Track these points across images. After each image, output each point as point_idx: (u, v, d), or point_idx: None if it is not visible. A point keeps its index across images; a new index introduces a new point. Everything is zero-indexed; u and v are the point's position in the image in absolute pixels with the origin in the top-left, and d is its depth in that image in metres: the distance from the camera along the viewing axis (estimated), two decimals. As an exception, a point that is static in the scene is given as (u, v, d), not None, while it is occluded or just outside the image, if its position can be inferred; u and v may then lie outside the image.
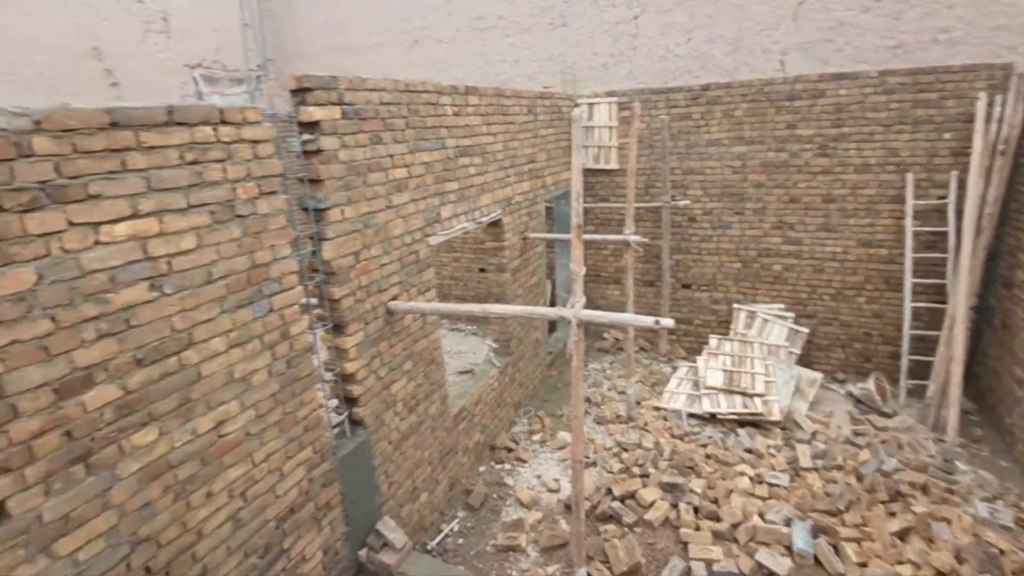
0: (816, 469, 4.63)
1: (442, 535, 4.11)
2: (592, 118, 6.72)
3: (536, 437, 5.31)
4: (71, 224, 1.91)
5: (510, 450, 5.07)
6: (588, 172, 7.00)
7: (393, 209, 3.56)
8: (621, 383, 6.19)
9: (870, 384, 5.73)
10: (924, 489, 4.29)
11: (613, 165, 6.78)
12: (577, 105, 6.72)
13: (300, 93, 2.93)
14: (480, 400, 4.89)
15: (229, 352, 2.51)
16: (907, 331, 5.69)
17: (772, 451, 4.89)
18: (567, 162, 6.72)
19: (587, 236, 5.23)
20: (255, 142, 2.58)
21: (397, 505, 3.78)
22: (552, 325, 7.05)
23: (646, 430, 5.25)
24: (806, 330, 6.21)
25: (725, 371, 5.74)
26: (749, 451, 4.92)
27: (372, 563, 3.37)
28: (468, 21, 8.93)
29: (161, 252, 2.20)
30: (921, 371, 5.71)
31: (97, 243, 1.99)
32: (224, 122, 2.44)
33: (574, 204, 2.99)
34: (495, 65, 8.95)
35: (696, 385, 5.86)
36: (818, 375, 5.88)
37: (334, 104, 3.05)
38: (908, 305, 5.66)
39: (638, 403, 5.71)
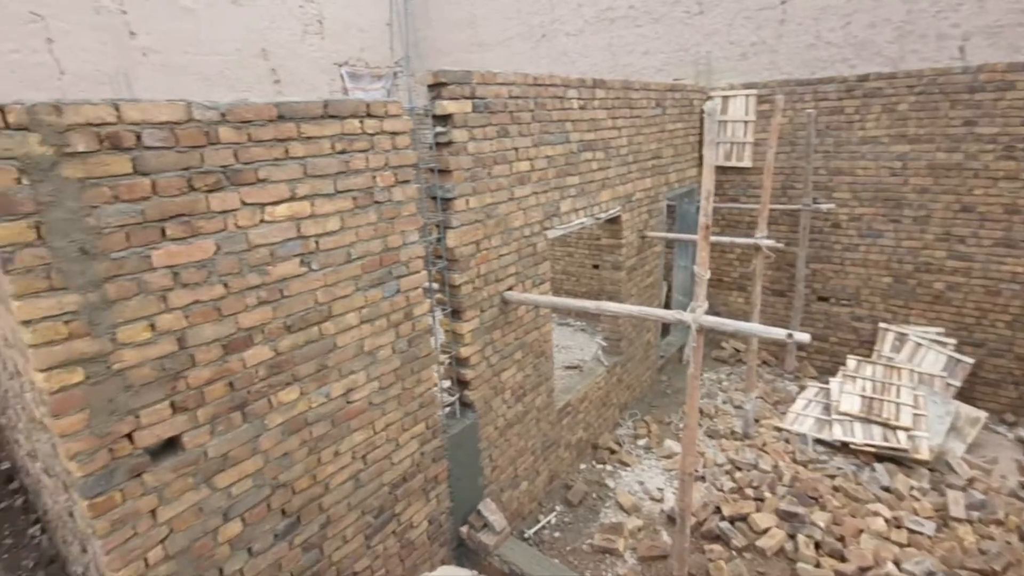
0: (970, 521, 3.98)
1: (539, 525, 4.15)
2: (727, 111, 6.30)
3: (641, 442, 5.16)
4: (243, 204, 2.19)
5: (613, 452, 4.97)
6: (718, 170, 6.57)
7: (515, 201, 3.63)
8: (738, 397, 5.78)
9: (1055, 432, 4.78)
10: (1120, 567, 3.51)
11: (746, 163, 6.31)
12: (710, 98, 6.33)
13: (436, 88, 3.08)
14: (586, 397, 4.84)
15: (360, 327, 2.73)
16: (1114, 373, 4.66)
17: (916, 494, 4.28)
18: (695, 158, 6.38)
19: (713, 238, 4.92)
20: (394, 134, 2.76)
21: (498, 489, 3.89)
22: (665, 328, 6.78)
23: (764, 451, 4.86)
24: (970, 360, 5.33)
25: (864, 397, 5.12)
26: (887, 490, 4.35)
27: (472, 541, 3.50)
28: (597, 12, 8.80)
29: (311, 232, 2.44)
30: None
31: (262, 221, 2.26)
32: (369, 115, 2.64)
33: (703, 203, 2.83)
34: (623, 56, 8.74)
35: (827, 409, 5.30)
36: (982, 414, 5.03)
37: (466, 98, 3.16)
38: (1118, 342, 4.63)
39: (756, 421, 5.30)
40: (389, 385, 2.94)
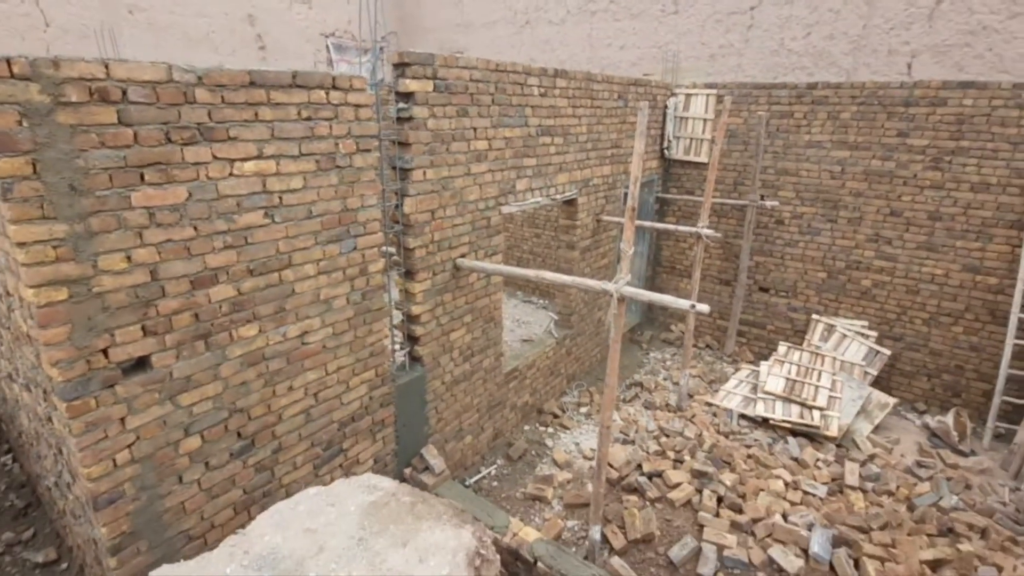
0: (864, 491, 4.50)
1: (480, 475, 4.56)
2: (688, 109, 6.68)
3: (583, 410, 5.60)
4: (215, 158, 2.50)
5: (556, 416, 5.40)
6: (677, 163, 6.99)
7: (471, 176, 3.97)
8: (678, 375, 6.25)
9: (949, 418, 5.34)
10: (983, 533, 4.06)
11: (704, 159, 6.71)
12: (673, 95, 6.71)
13: (401, 67, 3.39)
14: (534, 365, 5.25)
15: (318, 277, 3.06)
16: (1005, 369, 5.21)
17: (819, 464, 4.80)
18: (656, 151, 6.77)
19: (658, 225, 5.34)
20: (358, 106, 3.08)
21: (443, 440, 4.28)
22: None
23: (692, 422, 5.33)
24: (888, 352, 5.87)
25: (788, 379, 5.62)
26: (795, 460, 4.86)
27: (413, 480, 3.89)
28: (579, 4, 9.07)
29: (276, 188, 2.76)
30: (1015, 415, 5.23)
31: (231, 175, 2.57)
32: (335, 87, 2.94)
33: (631, 188, 3.20)
34: (601, 49, 9.04)
35: (755, 389, 5.80)
36: (892, 400, 5.57)
37: (428, 79, 3.48)
38: (1011, 341, 5.17)
39: (690, 396, 5.78)
40: (342, 332, 3.29)
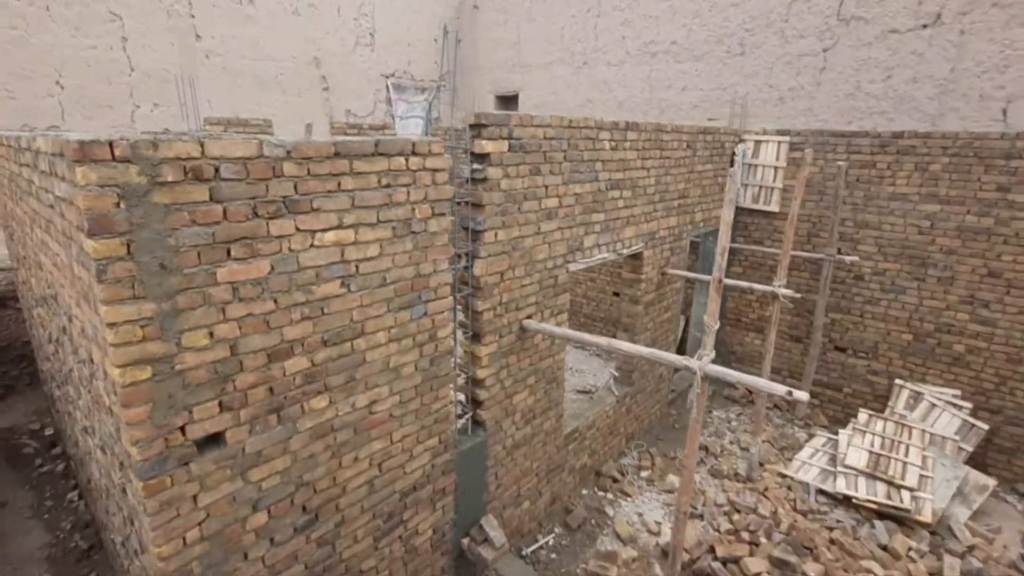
0: (968, 590, 4.00)
1: (537, 545, 4.32)
2: (758, 155, 6.43)
3: (644, 474, 5.28)
4: (297, 230, 2.46)
5: (615, 480, 5.11)
6: (745, 212, 6.71)
7: (540, 235, 3.85)
8: (746, 439, 5.86)
9: (1065, 508, 4.74)
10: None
11: (774, 207, 6.42)
12: (742, 141, 6.47)
13: (476, 128, 3.33)
14: (594, 424, 5.00)
15: (388, 345, 2.97)
16: None
17: (913, 555, 4.31)
18: (722, 198, 6.51)
19: (730, 282, 5.07)
20: (434, 171, 3.01)
21: (501, 506, 4.07)
22: (679, 362, 6.88)
23: (765, 495, 4.93)
24: (985, 426, 5.32)
25: (872, 452, 5.15)
26: (884, 548, 4.39)
27: (472, 553, 3.69)
28: (640, 46, 9.02)
29: (353, 257, 2.70)
30: None
31: (312, 246, 2.52)
32: (414, 153, 2.89)
33: (718, 258, 3.00)
34: (660, 91, 8.93)
35: (833, 460, 5.34)
36: (991, 481, 5.01)
37: (504, 139, 3.40)
38: None
39: (761, 464, 5.38)
40: (409, 400, 3.17)
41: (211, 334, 2.25)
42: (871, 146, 5.77)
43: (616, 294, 8.25)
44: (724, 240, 2.97)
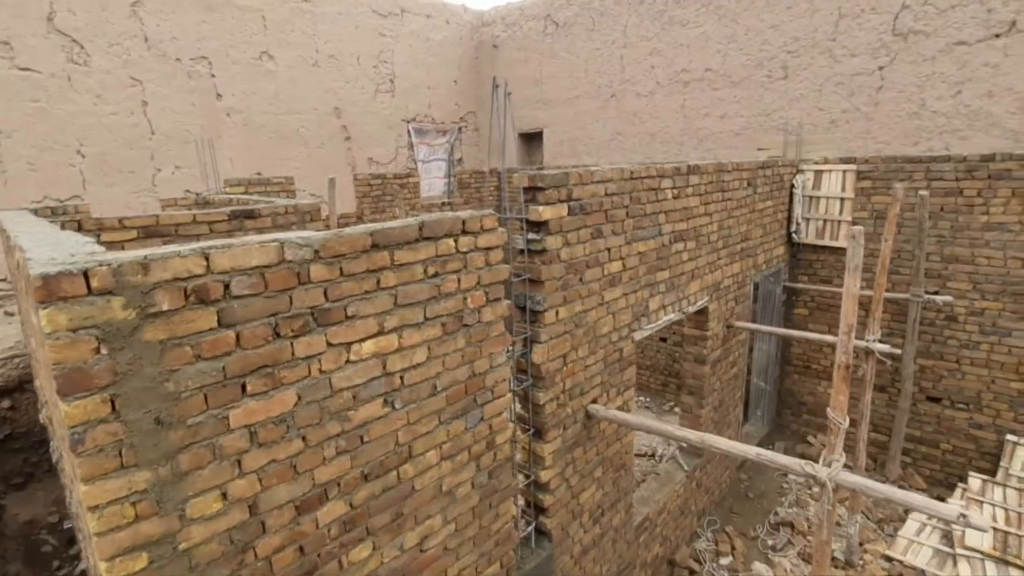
0: None
1: (613, 666, 3.64)
2: (819, 187, 5.84)
3: (724, 561, 4.57)
4: (329, 345, 1.96)
5: (692, 572, 4.41)
6: (807, 248, 6.09)
7: (604, 306, 3.32)
8: (838, 511, 5.10)
9: None
10: None
11: (841, 243, 5.78)
12: (800, 172, 5.90)
13: (531, 191, 2.85)
14: (664, 508, 4.35)
15: (440, 465, 2.43)
16: None
17: (1079, 669, 3.51)
18: (782, 236, 5.92)
19: (812, 335, 4.44)
20: (488, 249, 2.52)
21: (571, 625, 3.44)
22: (745, 414, 6.18)
23: (873, 586, 4.18)
24: None
25: (997, 529, 4.37)
26: (1038, 659, 3.60)
27: None
28: (671, 75, 8.59)
29: (397, 367, 2.19)
30: None
31: (347, 362, 2.02)
32: (464, 232, 2.41)
33: (839, 356, 2.41)
34: (696, 120, 8.44)
35: (947, 538, 4.56)
36: None
37: (562, 202, 2.91)
38: None
39: (860, 544, 4.62)
40: (466, 526, 2.61)
41: (224, 495, 1.74)
42: (955, 171, 5.14)
43: (663, 339, 7.63)
44: (846, 330, 2.39)
